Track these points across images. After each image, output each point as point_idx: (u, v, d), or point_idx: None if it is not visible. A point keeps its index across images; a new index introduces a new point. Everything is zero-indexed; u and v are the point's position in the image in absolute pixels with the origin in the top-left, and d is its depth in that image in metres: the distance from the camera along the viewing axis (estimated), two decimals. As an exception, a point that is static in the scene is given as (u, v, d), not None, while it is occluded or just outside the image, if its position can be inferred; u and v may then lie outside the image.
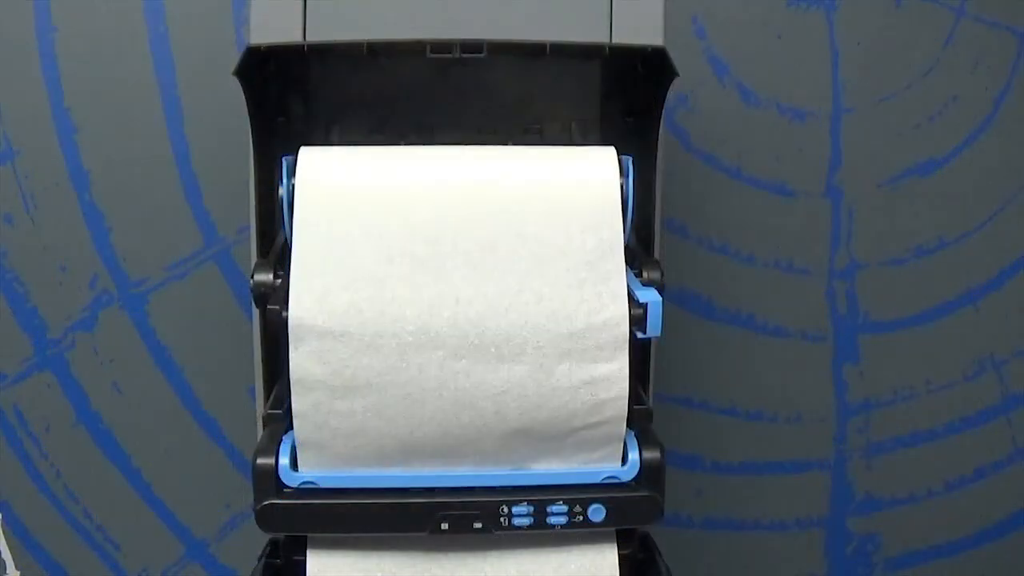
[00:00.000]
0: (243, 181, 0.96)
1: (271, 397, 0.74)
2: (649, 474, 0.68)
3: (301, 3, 0.78)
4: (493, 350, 0.64)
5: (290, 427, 0.69)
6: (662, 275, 0.71)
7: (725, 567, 1.11)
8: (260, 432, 0.83)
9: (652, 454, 0.68)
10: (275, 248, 0.73)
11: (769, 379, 1.08)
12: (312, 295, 0.64)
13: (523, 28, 0.78)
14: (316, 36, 0.78)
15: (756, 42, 1.02)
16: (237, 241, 0.99)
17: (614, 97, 0.78)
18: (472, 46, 0.69)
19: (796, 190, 1.05)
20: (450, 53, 0.70)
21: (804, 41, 1.02)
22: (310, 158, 0.68)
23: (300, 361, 0.64)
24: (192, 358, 1.00)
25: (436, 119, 0.78)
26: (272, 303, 0.64)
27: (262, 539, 1.03)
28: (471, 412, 0.65)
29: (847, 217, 1.05)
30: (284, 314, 0.64)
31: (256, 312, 0.83)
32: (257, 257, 0.76)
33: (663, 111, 0.76)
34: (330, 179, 0.67)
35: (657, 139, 0.76)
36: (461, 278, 0.65)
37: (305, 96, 0.76)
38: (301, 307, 0.64)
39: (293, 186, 0.67)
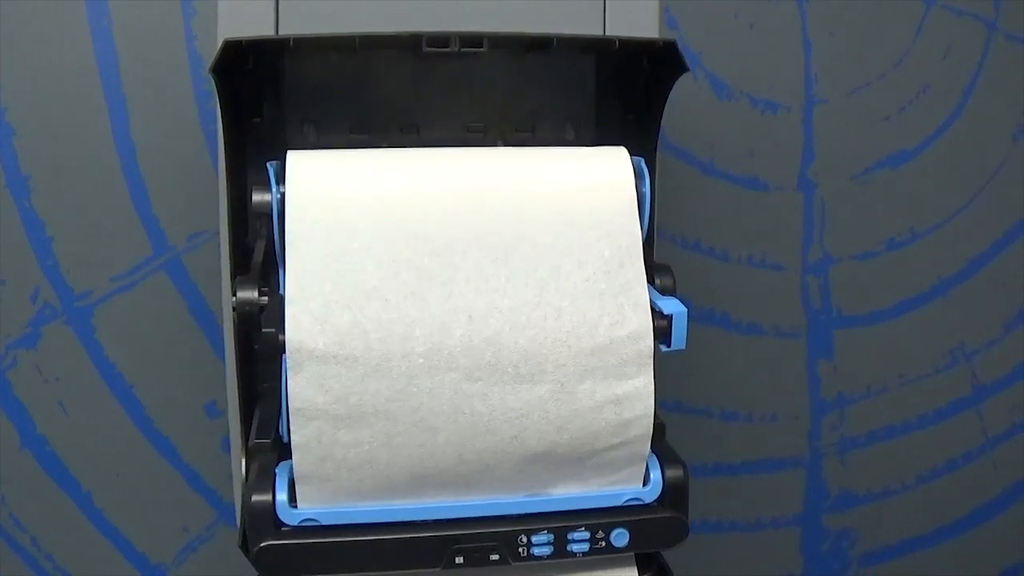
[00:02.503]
0: (194, 185, 0.90)
1: (254, 425, 0.68)
2: (673, 494, 0.64)
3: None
4: (511, 370, 0.59)
5: (281, 458, 0.63)
6: (674, 281, 0.67)
7: (701, 569, 1.09)
8: (237, 465, 0.77)
9: (675, 472, 0.64)
10: (255, 262, 0.67)
11: (744, 378, 1.05)
12: (311, 315, 0.58)
13: (514, 21, 0.74)
14: (289, 30, 0.73)
15: (729, 34, 0.99)
16: (188, 249, 0.92)
17: (609, 93, 0.73)
18: (471, 40, 0.64)
19: (769, 184, 1.02)
20: (448, 47, 0.64)
21: (777, 32, 1.00)
22: (300, 163, 0.62)
23: (300, 389, 0.58)
24: (143, 375, 0.93)
25: (421, 117, 0.72)
26: (267, 325, 0.58)
27: (222, 563, 0.98)
28: (487, 438, 0.60)
29: (820, 210, 1.03)
30: (281, 337, 0.58)
31: (227, 330, 0.77)
32: (232, 271, 0.69)
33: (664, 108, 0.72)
34: (324, 186, 0.61)
35: (658, 137, 0.73)
36: (473, 292, 0.60)
37: (279, 94, 0.70)
38: (299, 329, 0.58)
39: (283, 194, 0.61)
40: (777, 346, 1.05)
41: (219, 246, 0.91)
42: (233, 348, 0.72)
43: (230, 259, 0.70)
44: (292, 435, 0.59)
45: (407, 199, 0.61)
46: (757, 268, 1.03)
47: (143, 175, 0.91)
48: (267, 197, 0.67)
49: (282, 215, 0.61)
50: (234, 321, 0.68)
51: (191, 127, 0.91)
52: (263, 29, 0.72)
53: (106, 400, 0.93)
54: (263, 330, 0.58)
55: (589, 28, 0.75)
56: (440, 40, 0.64)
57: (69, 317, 0.91)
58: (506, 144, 0.74)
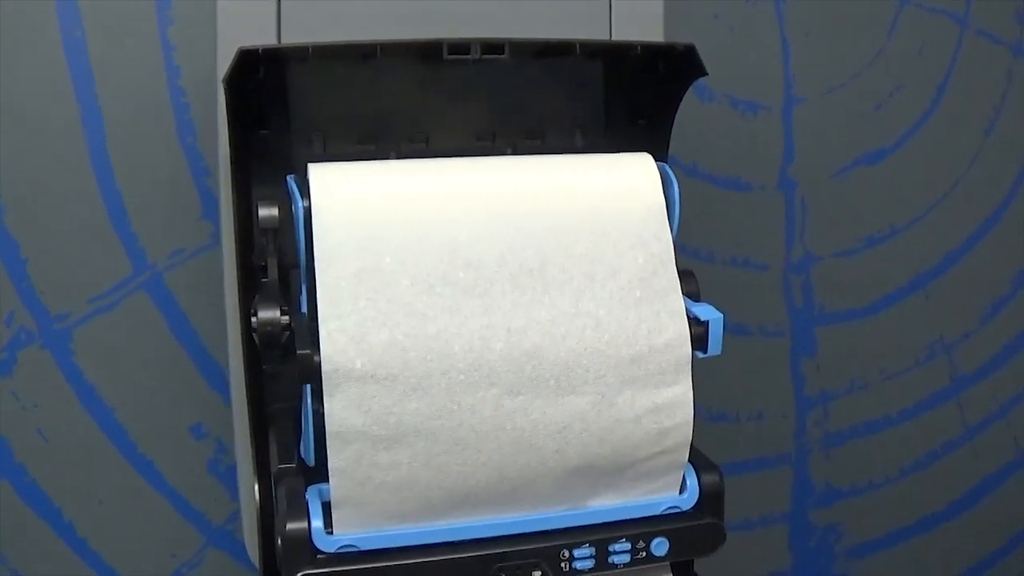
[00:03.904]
0: (174, 201, 0.87)
1: (272, 449, 0.66)
2: (710, 500, 0.64)
3: (275, 4, 0.70)
4: (552, 383, 0.58)
5: (308, 483, 0.61)
6: (698, 287, 0.67)
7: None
8: (247, 491, 0.74)
9: (711, 478, 0.64)
10: (270, 280, 0.64)
11: (730, 379, 1.05)
12: (346, 334, 0.56)
13: (517, 25, 0.73)
14: (291, 37, 0.71)
15: (708, 36, 0.99)
16: (169, 266, 0.89)
17: (618, 99, 0.73)
18: (492, 46, 0.63)
19: (751, 184, 1.02)
20: (468, 54, 0.63)
21: (755, 34, 1.00)
22: (324, 176, 0.60)
23: (337, 411, 0.56)
24: (125, 398, 0.90)
25: (430, 126, 0.71)
26: (299, 346, 0.56)
27: (212, 588, 0.94)
28: (529, 453, 0.59)
29: (801, 209, 1.04)
30: (316, 358, 0.56)
31: (232, 351, 0.74)
32: (240, 290, 0.67)
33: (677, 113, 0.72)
34: (351, 200, 0.59)
35: (668, 142, 0.72)
36: (510, 305, 0.58)
37: (287, 104, 0.68)
38: (335, 349, 0.56)
39: (308, 209, 0.59)
40: (762, 345, 1.05)
41: (203, 264, 0.89)
42: (241, 370, 0.69)
43: (238, 277, 0.67)
44: (330, 459, 0.57)
45: (437, 211, 0.60)
46: (741, 268, 1.03)
47: (120, 191, 0.87)
48: (275, 212, 0.65)
49: (308, 230, 0.59)
50: (242, 341, 0.66)
51: (169, 140, 0.88)
52: (265, 37, 0.70)
53: (86, 425, 0.89)
54: (298, 352, 0.56)
55: (594, 31, 0.74)
56: (461, 47, 0.63)
57: (46, 341, 0.87)
58: (515, 152, 0.72)
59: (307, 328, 0.59)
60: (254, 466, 0.69)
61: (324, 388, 0.56)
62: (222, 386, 0.91)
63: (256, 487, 0.69)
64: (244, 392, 0.69)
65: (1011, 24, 1.05)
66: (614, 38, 0.74)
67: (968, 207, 1.07)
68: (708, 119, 1.00)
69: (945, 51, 1.04)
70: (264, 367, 0.71)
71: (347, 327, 0.57)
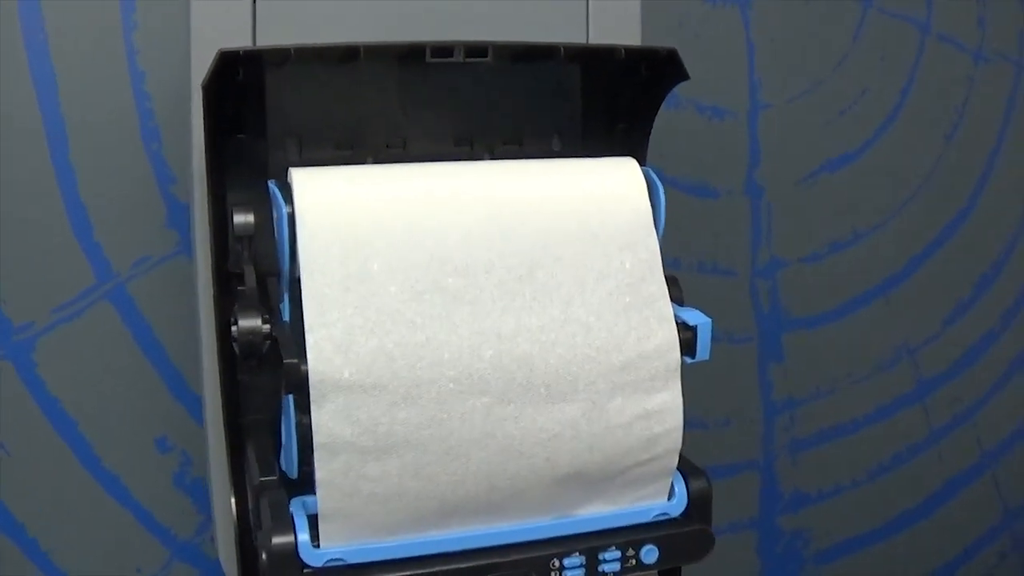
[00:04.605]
0: (138, 208, 0.85)
1: (250, 461, 0.64)
2: (698, 506, 0.63)
3: (250, 6, 0.68)
4: (543, 390, 0.57)
5: (291, 495, 0.60)
6: (681, 292, 0.66)
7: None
8: (223, 505, 0.72)
9: (700, 484, 0.64)
10: (248, 287, 0.63)
11: (698, 386, 1.05)
12: (333, 343, 0.55)
13: (494, 29, 0.73)
14: (266, 40, 0.69)
15: (673, 42, 0.98)
16: (133, 276, 0.87)
17: (595, 103, 0.72)
18: (476, 49, 0.62)
19: (718, 190, 1.03)
20: (452, 57, 0.62)
21: (721, 40, 1.00)
22: (307, 181, 0.59)
23: (324, 422, 0.55)
24: (89, 410, 0.88)
25: (407, 131, 0.70)
26: (288, 356, 0.55)
27: (179, 605, 0.92)
28: (520, 461, 0.58)
29: (767, 215, 1.04)
30: (303, 368, 0.55)
31: (207, 362, 0.72)
32: (216, 297, 0.65)
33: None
34: (336, 205, 0.58)
35: (647, 146, 0.72)
36: (500, 312, 0.58)
37: (262, 108, 0.66)
38: (322, 358, 0.55)
39: (291, 215, 0.58)
40: (730, 352, 1.06)
41: (168, 273, 0.87)
42: (216, 381, 0.67)
43: (214, 286, 0.66)
44: (317, 471, 0.56)
45: (424, 217, 0.59)
46: (709, 275, 1.04)
47: (83, 199, 0.85)
48: (251, 218, 0.64)
49: (292, 236, 0.58)
50: (218, 351, 0.64)
51: (134, 146, 0.86)
52: (240, 39, 0.68)
53: (50, 439, 0.87)
54: (284, 361, 0.55)
55: (572, 34, 0.74)
56: (444, 50, 0.62)
57: (8, 352, 0.85)
58: (493, 157, 0.72)
59: (290, 337, 0.57)
60: (230, 479, 0.67)
61: (311, 398, 0.55)
62: (188, 398, 0.89)
63: (232, 501, 0.67)
64: (219, 404, 0.67)
65: (972, 29, 1.06)
66: (591, 42, 0.73)
67: (931, 212, 1.09)
68: (674, 125, 1.00)
69: (908, 57, 1.06)
70: (239, 377, 0.69)
71: (334, 335, 0.55)
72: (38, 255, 0.85)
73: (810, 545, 1.12)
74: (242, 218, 0.64)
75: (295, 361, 0.55)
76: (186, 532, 0.91)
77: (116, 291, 0.87)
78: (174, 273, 0.87)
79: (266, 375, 0.69)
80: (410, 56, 0.63)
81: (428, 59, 0.62)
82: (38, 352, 0.86)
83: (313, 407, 0.55)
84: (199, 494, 0.91)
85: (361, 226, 0.58)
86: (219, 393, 0.67)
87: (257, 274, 0.65)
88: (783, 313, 1.06)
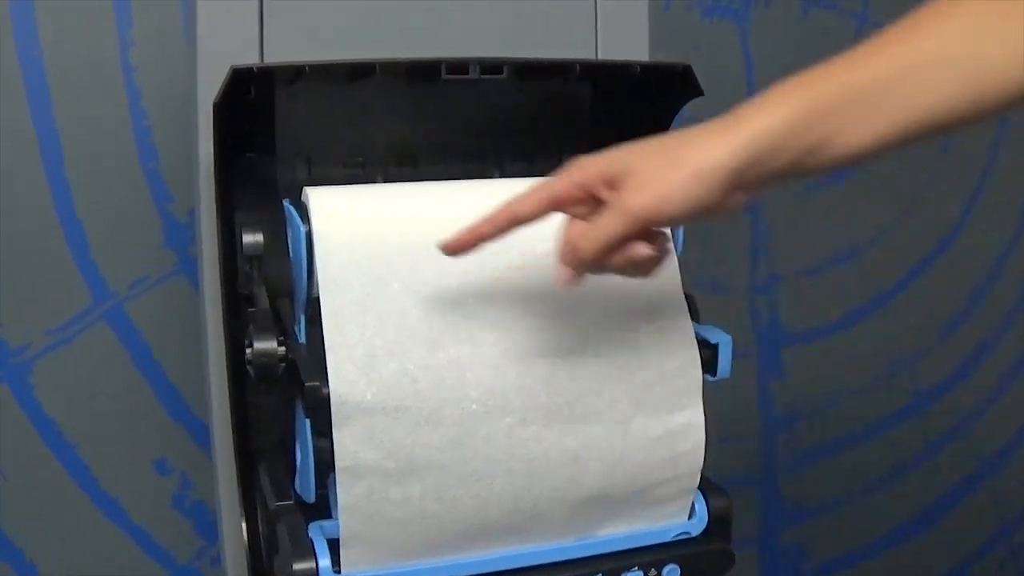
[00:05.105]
0: (135, 227, 0.84)
1: (264, 485, 0.63)
2: (718, 524, 0.63)
3: (257, 21, 0.67)
4: (566, 411, 0.57)
5: (308, 519, 0.59)
6: (697, 310, 0.66)
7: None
8: (233, 529, 0.71)
9: (720, 502, 0.63)
10: (262, 309, 0.62)
11: (700, 400, 1.05)
12: (355, 364, 0.54)
13: (504, 45, 0.72)
14: (274, 57, 0.68)
15: (671, 56, 0.98)
16: (131, 296, 0.86)
17: (603, 120, 0.72)
18: (491, 66, 0.61)
19: (718, 204, 1.02)
20: (467, 74, 0.61)
21: (720, 53, 1.00)
22: (323, 200, 0.58)
23: (347, 445, 0.54)
24: (86, 433, 0.87)
25: (417, 148, 0.69)
26: (308, 378, 0.54)
27: (179, 630, 0.91)
28: (543, 483, 0.57)
29: (766, 230, 1.04)
30: (325, 390, 0.54)
31: (215, 385, 0.71)
32: (225, 318, 0.64)
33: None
34: (354, 225, 0.57)
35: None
36: (523, 331, 0.57)
37: (271, 126, 0.65)
38: (344, 380, 0.54)
39: (309, 233, 0.57)
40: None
41: (166, 293, 0.85)
42: (225, 404, 0.66)
43: (223, 307, 0.65)
44: (339, 495, 0.55)
45: (442, 236, 0.58)
46: (709, 293, 1.03)
47: (79, 218, 0.84)
48: (260, 238, 0.63)
49: (309, 256, 0.57)
50: (228, 374, 0.63)
51: (130, 165, 0.85)
52: (248, 58, 0.67)
53: (47, 462, 0.85)
54: (305, 384, 0.54)
55: (581, 51, 0.73)
56: (460, 67, 0.61)
57: (4, 374, 0.83)
58: (503, 175, 0.71)
59: (308, 359, 0.56)
60: (241, 504, 0.66)
61: (333, 421, 0.54)
62: (187, 419, 0.88)
63: (244, 525, 0.66)
64: (226, 427, 0.66)
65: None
66: (600, 57, 0.73)
67: (927, 225, 1.09)
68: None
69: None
70: (252, 400, 0.68)
71: (356, 357, 0.54)
72: (33, 275, 0.83)
73: (810, 558, 1.11)
74: (251, 238, 0.63)
75: (317, 384, 0.54)
76: (187, 556, 0.90)
77: (113, 312, 0.86)
78: (172, 293, 0.86)
79: (276, 397, 0.68)
80: (425, 73, 0.62)
81: (444, 76, 0.61)
82: (35, 374, 0.84)
83: (335, 430, 0.54)
84: (199, 517, 0.89)
85: (379, 245, 0.57)
86: (227, 416, 0.66)
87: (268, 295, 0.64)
88: (781, 328, 1.06)
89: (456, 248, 0.53)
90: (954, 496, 1.15)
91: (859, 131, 0.48)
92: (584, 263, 0.50)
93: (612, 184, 0.50)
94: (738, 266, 1.03)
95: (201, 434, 0.88)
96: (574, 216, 0.51)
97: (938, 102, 0.47)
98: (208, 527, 0.89)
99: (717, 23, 0.99)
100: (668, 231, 0.62)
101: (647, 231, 0.50)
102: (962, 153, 1.09)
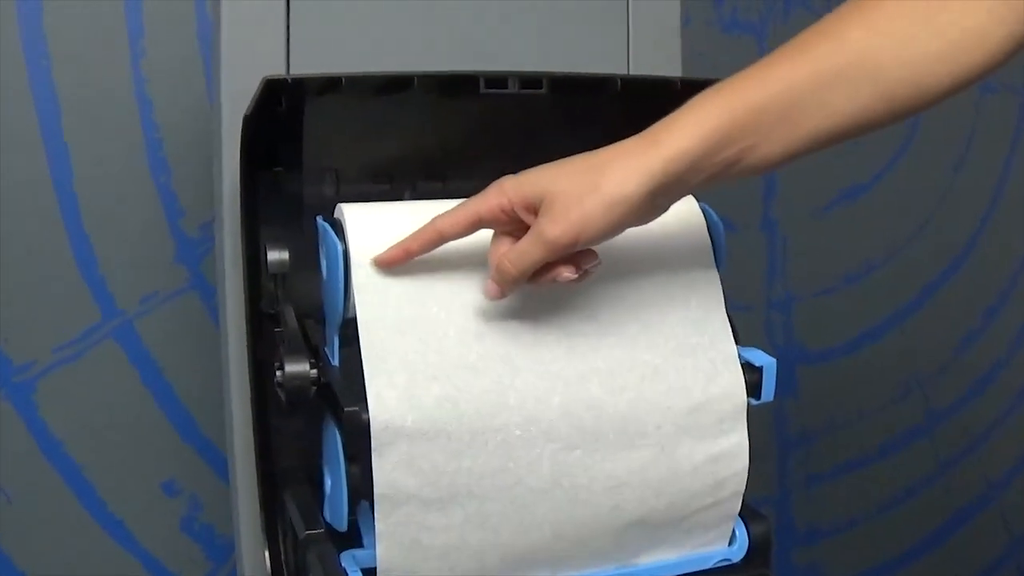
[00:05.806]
0: (145, 242, 0.82)
1: (293, 512, 0.61)
2: (759, 551, 0.61)
3: (284, 32, 0.66)
4: (612, 436, 0.55)
5: (339, 548, 0.57)
6: (737, 332, 0.64)
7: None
8: (253, 557, 0.69)
9: (761, 528, 0.61)
10: (291, 329, 0.60)
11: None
12: (395, 389, 0.52)
13: (538, 60, 0.70)
14: (299, 69, 0.66)
15: (690, 72, 0.97)
16: (141, 313, 0.84)
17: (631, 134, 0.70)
18: (531, 81, 0.60)
19: (735, 224, 1.01)
20: (506, 88, 0.59)
21: (740, 68, 0.99)
22: (358, 218, 0.56)
23: (386, 472, 0.52)
24: (93, 454, 0.84)
25: (446, 163, 0.67)
26: (348, 403, 0.52)
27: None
28: (586, 510, 0.55)
29: (782, 249, 1.03)
30: (365, 416, 0.52)
31: (236, 405, 0.69)
32: (249, 339, 0.62)
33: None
34: (390, 244, 0.55)
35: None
36: (564, 354, 0.55)
37: (299, 140, 0.63)
38: (384, 406, 0.52)
39: (346, 252, 0.55)
40: (745, 385, 1.04)
41: (176, 310, 0.83)
42: (248, 428, 0.64)
43: (248, 326, 0.63)
44: (377, 523, 0.53)
45: (479, 256, 0.56)
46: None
47: (88, 232, 0.82)
48: (285, 256, 0.61)
49: (346, 275, 0.55)
50: (251, 396, 0.61)
51: (141, 178, 0.83)
52: (274, 68, 0.65)
53: (53, 483, 0.83)
54: (345, 409, 0.52)
55: (613, 66, 0.72)
56: (498, 81, 0.59)
57: (8, 392, 0.81)
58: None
59: (344, 383, 0.54)
60: (264, 530, 0.64)
61: (373, 447, 0.52)
62: (197, 439, 0.86)
63: (267, 554, 0.64)
64: (248, 451, 0.64)
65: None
66: (632, 72, 0.71)
67: (941, 242, 1.08)
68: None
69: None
70: (274, 425, 0.66)
71: (396, 382, 0.52)
72: (40, 290, 0.81)
73: (823, 580, 1.10)
74: (276, 255, 0.62)
75: (356, 409, 0.52)
76: (196, 581, 0.88)
77: (122, 328, 0.83)
78: (183, 310, 0.84)
79: (298, 420, 0.66)
80: (463, 86, 0.60)
81: (482, 90, 0.59)
82: (40, 393, 0.82)
83: (374, 456, 0.52)
84: (209, 540, 0.87)
85: (416, 265, 0.55)
86: (250, 440, 0.63)
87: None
88: (797, 347, 1.04)
89: (387, 263, 0.54)
90: (965, 515, 1.14)
91: (777, 143, 0.49)
92: (510, 284, 0.51)
93: (531, 208, 0.50)
94: (753, 285, 1.02)
95: (212, 456, 0.85)
96: (501, 233, 0.52)
97: (855, 110, 0.48)
98: (218, 551, 0.87)
99: (737, 38, 0.98)
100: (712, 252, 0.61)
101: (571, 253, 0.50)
102: (975, 171, 1.08)
